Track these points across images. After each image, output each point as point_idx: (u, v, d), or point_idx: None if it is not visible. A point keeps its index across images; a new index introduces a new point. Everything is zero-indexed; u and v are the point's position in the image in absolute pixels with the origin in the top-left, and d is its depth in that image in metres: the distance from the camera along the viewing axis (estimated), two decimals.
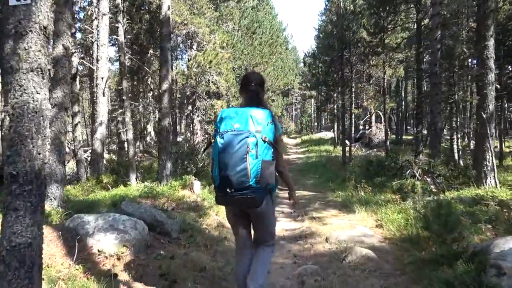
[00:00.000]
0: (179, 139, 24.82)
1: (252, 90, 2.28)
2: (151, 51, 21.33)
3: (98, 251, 2.92)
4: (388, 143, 14.73)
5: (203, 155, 15.99)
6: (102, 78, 8.38)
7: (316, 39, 27.70)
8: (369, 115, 20.40)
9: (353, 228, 4.91)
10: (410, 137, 29.06)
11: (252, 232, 2.39)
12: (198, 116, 17.23)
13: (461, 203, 5.08)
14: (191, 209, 5.18)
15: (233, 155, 1.97)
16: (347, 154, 14.57)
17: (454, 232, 3.15)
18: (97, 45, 9.36)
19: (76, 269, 2.61)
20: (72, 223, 3.22)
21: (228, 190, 2.00)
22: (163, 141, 6.74)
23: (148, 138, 22.37)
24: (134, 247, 3.09)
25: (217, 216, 5.22)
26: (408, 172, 7.88)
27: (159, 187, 6.19)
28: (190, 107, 17.94)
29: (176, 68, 15.14)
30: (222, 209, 5.54)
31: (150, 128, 22.79)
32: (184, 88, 16.25)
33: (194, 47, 16.81)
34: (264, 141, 2.03)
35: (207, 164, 11.38)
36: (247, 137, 1.99)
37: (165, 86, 6.70)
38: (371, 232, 4.63)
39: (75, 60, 9.28)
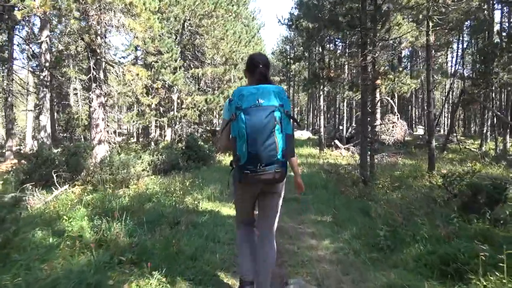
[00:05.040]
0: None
1: (261, 72, 2.25)
2: None
3: None
4: (433, 143, 8.25)
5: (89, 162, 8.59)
6: None
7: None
8: (375, 102, 13.96)
9: None
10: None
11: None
12: (99, 95, 9.77)
13: None
14: None
15: (261, 130, 1.97)
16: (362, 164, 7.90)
17: None
18: None
19: None
20: None
21: (258, 165, 1.98)
22: None
23: (28, 140, 14.32)
24: None
25: None
26: None
27: None
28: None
29: None
30: None
31: (45, 120, 14.81)
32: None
33: None
34: (286, 115, 2.07)
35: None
36: (273, 111, 2.00)
37: None
38: None
39: None
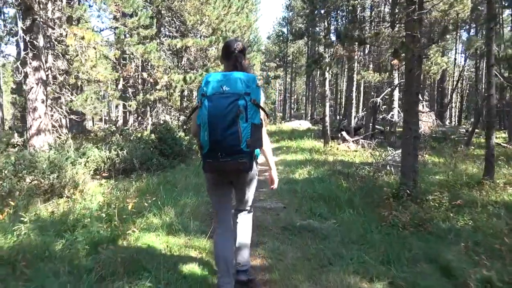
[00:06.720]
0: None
1: (235, 57, 2.18)
2: None
3: None
4: (493, 139, 5.95)
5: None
6: None
7: None
8: (391, 88, 11.51)
9: None
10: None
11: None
12: (38, 69, 7.25)
13: None
14: None
15: (223, 118, 1.86)
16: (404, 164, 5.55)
17: None
18: None
19: None
20: None
21: (219, 155, 1.90)
22: None
23: None
24: None
25: None
26: None
27: None
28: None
29: None
30: None
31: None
32: None
33: None
34: (253, 104, 1.95)
35: None
36: (237, 99, 1.89)
37: None
38: None
39: None
